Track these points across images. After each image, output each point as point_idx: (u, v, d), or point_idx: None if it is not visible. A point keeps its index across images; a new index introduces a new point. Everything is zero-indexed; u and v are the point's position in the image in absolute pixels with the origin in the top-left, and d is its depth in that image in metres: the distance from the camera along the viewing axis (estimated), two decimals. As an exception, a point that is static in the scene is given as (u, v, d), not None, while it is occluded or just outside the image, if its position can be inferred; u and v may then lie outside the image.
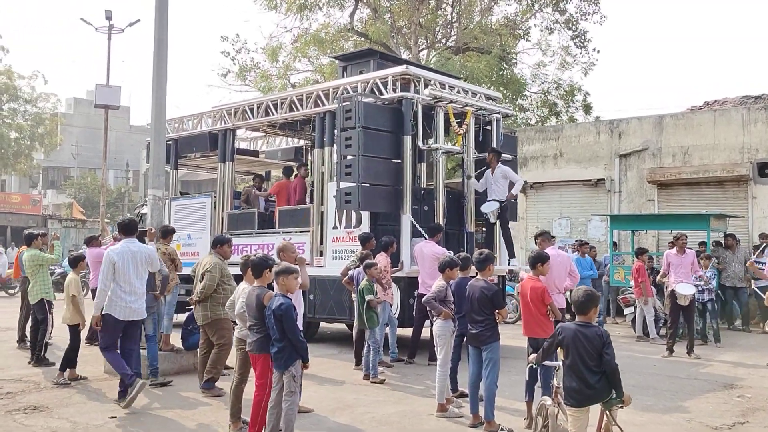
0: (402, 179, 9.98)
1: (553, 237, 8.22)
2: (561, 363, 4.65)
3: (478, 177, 10.89)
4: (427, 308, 6.74)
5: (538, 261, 6.20)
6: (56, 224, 32.52)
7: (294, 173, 12.96)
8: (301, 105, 11.36)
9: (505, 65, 21.47)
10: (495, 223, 10.80)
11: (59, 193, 48.77)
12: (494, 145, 11.24)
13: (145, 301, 7.10)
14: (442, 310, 6.51)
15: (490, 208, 10.46)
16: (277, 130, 13.08)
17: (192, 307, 7.62)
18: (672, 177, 15.60)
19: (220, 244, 7.56)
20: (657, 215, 14.37)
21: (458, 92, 10.68)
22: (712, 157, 15.33)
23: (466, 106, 10.60)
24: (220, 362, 7.27)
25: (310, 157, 14.42)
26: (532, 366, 5.03)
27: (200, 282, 7.38)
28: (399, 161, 10.04)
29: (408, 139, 10.01)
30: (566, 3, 24.49)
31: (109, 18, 22.24)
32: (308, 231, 11.05)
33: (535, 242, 7.75)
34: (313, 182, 12.77)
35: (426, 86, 10.21)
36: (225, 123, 12.69)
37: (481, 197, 10.85)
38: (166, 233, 8.74)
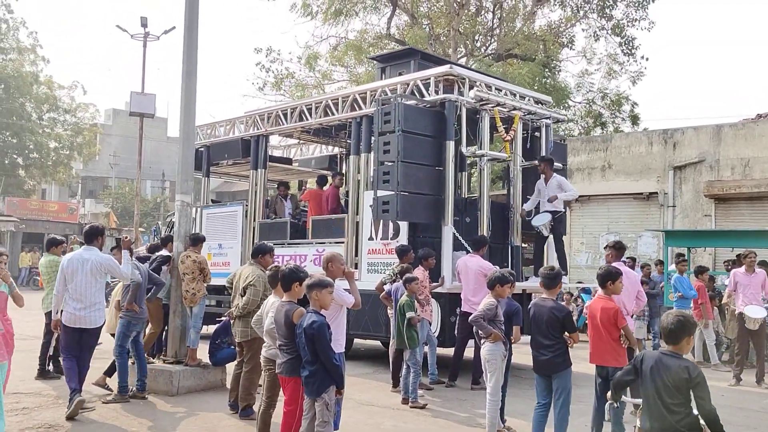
0: (444, 188, 9.27)
1: (625, 248, 7.38)
2: (641, 401, 3.87)
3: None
4: (474, 328, 5.98)
5: (609, 278, 5.43)
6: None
7: (327, 182, 12.39)
8: (337, 109, 10.76)
9: (548, 72, 20.65)
10: (546, 237, 9.99)
11: (97, 202, 49.14)
12: (543, 152, 10.47)
13: (129, 314, 7.28)
14: (491, 332, 5.77)
15: (542, 220, 9.67)
16: (311, 136, 12.50)
17: (223, 319, 7.03)
18: (731, 191, 14.57)
19: (261, 253, 6.95)
20: (717, 231, 13.37)
21: (505, 95, 9.94)
22: (775, 169, 14.29)
23: (514, 109, 9.86)
24: (253, 386, 6.65)
25: (344, 166, 13.87)
26: (613, 404, 4.24)
27: (241, 295, 6.78)
28: (441, 168, 9.34)
29: (451, 145, 9.31)
30: (613, 9, 23.62)
31: (144, 25, 22.03)
32: (342, 242, 10.40)
33: (605, 253, 6.96)
34: (347, 191, 12.24)
35: (471, 88, 9.51)
36: (257, 129, 12.16)
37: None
38: (196, 241, 8.19)
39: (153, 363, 8.22)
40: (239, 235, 12.18)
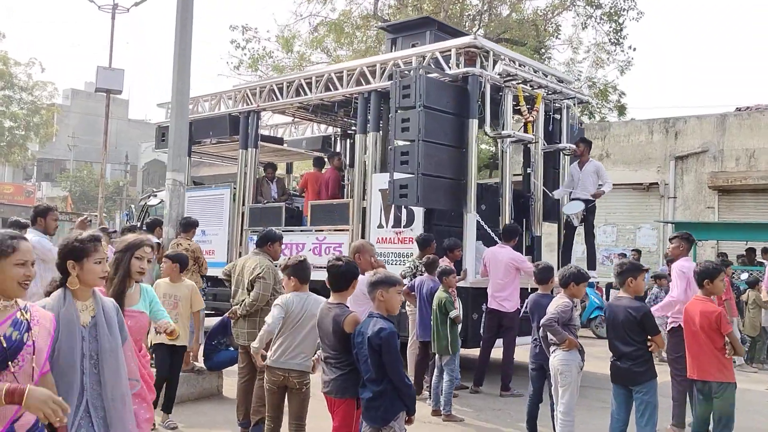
0: (466, 171, 8.41)
1: (694, 240, 6.61)
2: None
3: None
4: (546, 333, 5.12)
5: (706, 276, 4.64)
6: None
7: (324, 164, 11.41)
8: (341, 83, 9.77)
9: (538, 58, 19.95)
10: (575, 228, 9.21)
11: (54, 186, 46.94)
12: (564, 136, 9.71)
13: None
14: (566, 337, 4.93)
15: (574, 209, 8.88)
16: (308, 114, 11.46)
17: (231, 319, 6.01)
18: (737, 182, 14.09)
19: (270, 241, 5.94)
20: (729, 224, 12.85)
21: (528, 71, 9.10)
22: (782, 161, 13.84)
23: (539, 87, 9.05)
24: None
25: (339, 147, 12.90)
26: None
27: (247, 290, 5.78)
28: (463, 149, 8.47)
29: (474, 124, 8.44)
30: (600, -3, 23.02)
31: (113, -4, 20.64)
32: (346, 230, 9.45)
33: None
34: (343, 175, 11.29)
35: (495, 62, 8.64)
36: (248, 104, 11.09)
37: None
38: (188, 227, 7.20)
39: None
40: (226, 221, 11.12)
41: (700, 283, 4.69)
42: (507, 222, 8.79)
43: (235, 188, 11.20)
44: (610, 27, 22.95)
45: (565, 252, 9.50)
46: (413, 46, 9.42)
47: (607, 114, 23.39)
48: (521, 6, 23.28)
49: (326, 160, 11.46)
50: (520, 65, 9.03)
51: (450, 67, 8.53)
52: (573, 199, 9.20)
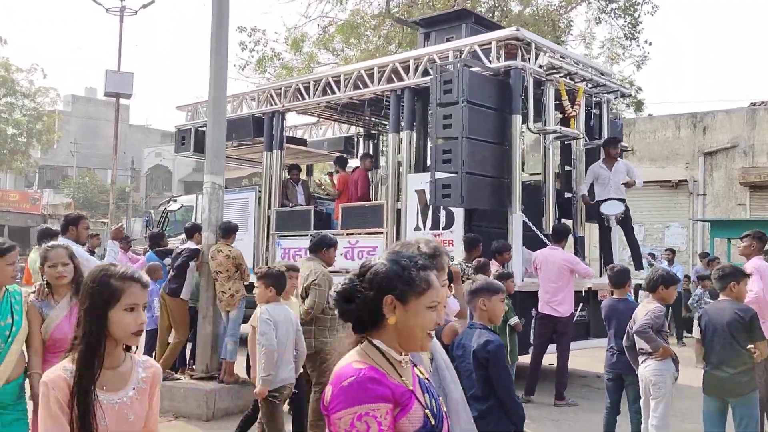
0: (510, 169, 8.04)
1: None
2: None
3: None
4: (639, 344, 4.71)
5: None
6: (56, 224, 30.52)
7: (347, 164, 11.07)
8: (372, 81, 9.39)
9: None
10: (611, 228, 8.85)
11: (56, 192, 46.50)
12: (605, 132, 9.36)
13: None
14: (660, 345, 4.55)
15: (615, 209, 8.52)
16: (335, 114, 11.09)
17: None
18: (770, 178, 13.71)
19: (326, 246, 5.61)
20: (765, 221, 12.42)
21: (569, 64, 8.74)
22: (817, 155, 13.47)
23: (583, 81, 8.68)
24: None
25: (362, 148, 12.54)
26: None
27: (302, 298, 5.43)
28: (506, 146, 8.09)
29: (518, 119, 8.07)
30: (614, -9, 22.66)
31: (121, -2, 20.29)
32: (381, 233, 9.07)
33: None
34: (369, 176, 10.92)
35: (537, 55, 8.27)
36: (272, 105, 10.71)
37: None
38: (228, 232, 6.81)
39: (179, 379, 6.81)
40: (251, 226, 10.74)
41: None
42: (552, 222, 8.44)
43: (260, 191, 10.84)
44: (625, 21, 22.61)
45: (606, 252, 9.13)
46: (448, 40, 9.04)
47: (624, 110, 23.03)
48: (532, 1, 22.93)
49: (348, 160, 11.12)
50: (561, 57, 8.67)
51: (491, 61, 8.16)
52: (608, 199, 8.82)
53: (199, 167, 45.53)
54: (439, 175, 7.68)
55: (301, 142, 12.62)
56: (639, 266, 8.87)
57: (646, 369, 4.63)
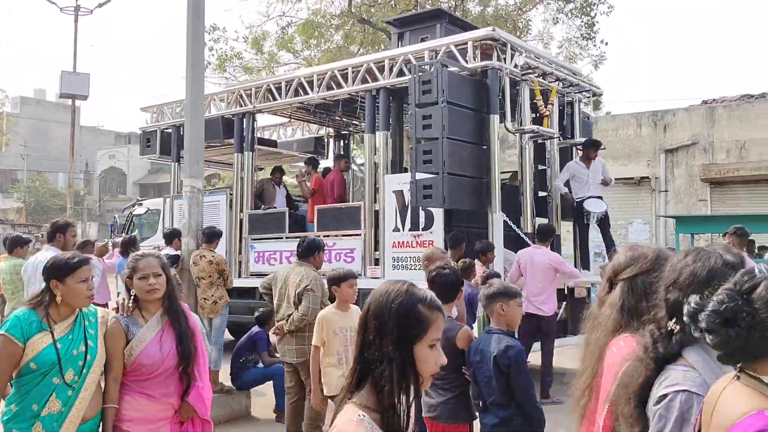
0: (489, 169, 8.07)
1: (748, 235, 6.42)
2: None
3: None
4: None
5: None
6: (8, 229, 29.40)
7: (318, 165, 10.98)
8: (345, 81, 9.31)
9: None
10: (588, 225, 8.98)
11: (6, 197, 44.95)
12: (576, 131, 9.50)
13: None
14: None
15: (599, 207, 8.68)
16: (308, 114, 10.96)
17: (268, 332, 5.53)
18: (729, 174, 14.13)
19: (317, 250, 5.50)
20: (734, 216, 12.69)
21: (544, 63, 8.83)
22: (773, 151, 13.93)
23: (556, 81, 8.77)
24: (320, 417, 5.21)
25: (332, 149, 12.45)
26: None
27: (290, 303, 5.33)
28: (484, 146, 8.12)
29: (496, 119, 8.10)
30: (571, -8, 23.05)
31: (75, -3, 19.70)
32: (358, 234, 9.01)
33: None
34: (345, 177, 10.86)
35: (512, 55, 8.32)
36: (242, 106, 10.53)
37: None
38: (212, 237, 6.66)
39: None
40: (223, 229, 10.42)
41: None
42: (530, 221, 8.52)
43: (231, 194, 10.64)
44: (582, 22, 23.03)
45: (583, 250, 9.26)
46: (422, 40, 9.02)
47: (583, 109, 23.45)
48: (489, 1, 23.17)
49: (318, 161, 11.02)
50: (535, 57, 8.74)
51: (467, 61, 8.17)
52: (589, 197, 8.96)
53: (154, 169, 44.75)
54: (419, 175, 7.65)
55: (272, 143, 12.46)
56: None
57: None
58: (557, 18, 23.53)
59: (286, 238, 9.84)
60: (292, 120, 12.19)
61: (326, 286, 5.37)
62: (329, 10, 21.70)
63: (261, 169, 12.69)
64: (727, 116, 14.50)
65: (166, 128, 11.71)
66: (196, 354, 2.99)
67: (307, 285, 5.33)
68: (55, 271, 2.81)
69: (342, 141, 12.38)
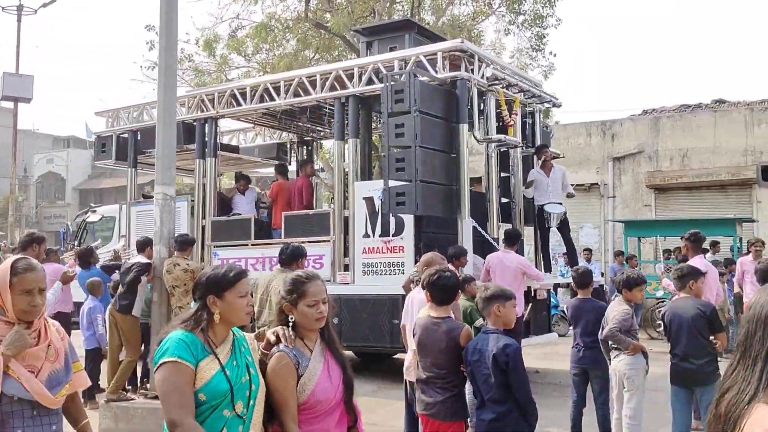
0: (459, 177, 8.27)
1: (703, 240, 6.80)
2: None
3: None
4: (609, 343, 5.03)
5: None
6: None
7: (287, 172, 10.97)
8: (314, 88, 9.36)
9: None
10: (549, 229, 9.31)
11: (-68, 202, 42.77)
12: (538, 139, 9.82)
13: None
14: (629, 344, 4.87)
15: (559, 208, 8.97)
16: (273, 121, 10.95)
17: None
18: (672, 181, 14.81)
19: (301, 257, 5.55)
20: (677, 220, 13.40)
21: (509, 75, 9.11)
22: (713, 160, 14.66)
23: (520, 92, 9.06)
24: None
25: (296, 155, 12.46)
26: None
27: (271, 310, 5.36)
28: (454, 155, 8.32)
29: (464, 129, 8.33)
30: (521, 5, 23.68)
31: (19, -5, 19.03)
32: (327, 241, 9.07)
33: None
34: (314, 183, 10.90)
35: (479, 66, 8.56)
36: (203, 111, 10.44)
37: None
38: (184, 245, 6.62)
39: (133, 399, 6.52)
40: (184, 236, 10.41)
41: (764, 280, 4.75)
42: (496, 227, 8.76)
43: (193, 200, 10.52)
44: (532, 33, 23.68)
45: (544, 253, 9.58)
46: (391, 49, 9.17)
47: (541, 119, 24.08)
48: (443, 11, 23.57)
49: (287, 168, 11.02)
50: (501, 68, 9.01)
51: (436, 71, 8.36)
52: (550, 202, 9.28)
53: (95, 174, 43.44)
54: (392, 183, 7.78)
55: (234, 149, 12.37)
56: (574, 264, 9.39)
57: (620, 363, 4.95)
58: (509, 29, 24.09)
59: (252, 245, 9.82)
60: (256, 126, 12.13)
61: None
62: (284, 14, 21.66)
63: (221, 174, 12.58)
64: (670, 126, 15.20)
65: (123, 133, 11.50)
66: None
67: (293, 293, 5.37)
68: (213, 286, 2.46)
69: (305, 147, 12.41)
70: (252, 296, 5.58)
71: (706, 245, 10.61)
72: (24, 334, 2.51)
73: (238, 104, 10.13)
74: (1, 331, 2.51)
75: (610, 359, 5.01)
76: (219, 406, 2.35)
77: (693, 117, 15.29)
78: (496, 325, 3.57)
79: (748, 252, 9.73)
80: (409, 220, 8.37)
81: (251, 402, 2.44)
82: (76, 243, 12.01)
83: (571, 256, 9.58)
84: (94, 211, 12.32)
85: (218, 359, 2.39)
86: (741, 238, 12.82)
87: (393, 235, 8.48)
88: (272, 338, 2.63)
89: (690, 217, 13.62)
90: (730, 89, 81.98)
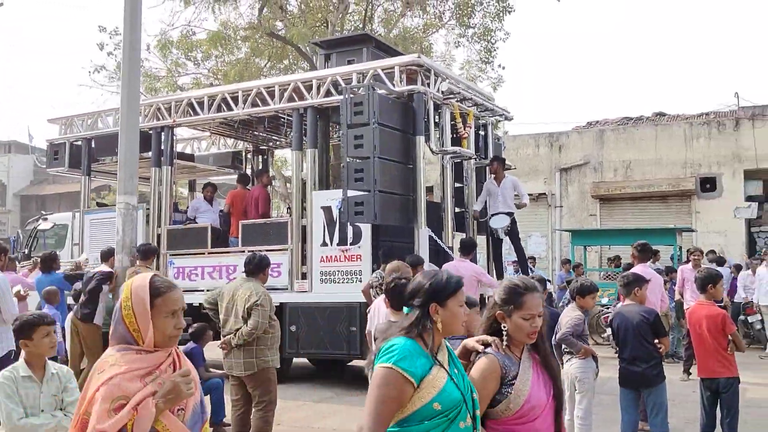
0: (416, 187, 8.51)
1: (650, 251, 7.18)
2: None
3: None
4: (559, 343, 5.32)
5: (709, 281, 5.05)
6: None
7: (249, 181, 11.04)
8: (272, 99, 9.48)
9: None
10: (501, 240, 9.63)
11: None
12: (490, 151, 10.15)
13: None
14: (581, 348, 5.16)
15: (501, 222, 9.28)
16: (231, 130, 10.99)
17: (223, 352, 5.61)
18: (616, 191, 15.42)
19: (267, 267, 5.66)
20: (621, 230, 13.98)
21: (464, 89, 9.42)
22: (654, 171, 15.34)
23: (474, 105, 9.38)
24: (269, 426, 5.38)
25: (252, 164, 12.51)
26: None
27: (238, 318, 5.45)
28: (410, 166, 8.56)
29: (421, 140, 8.58)
30: (470, 18, 24.24)
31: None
32: (285, 249, 9.18)
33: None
34: (268, 192, 10.97)
35: (435, 80, 8.83)
36: (159, 119, 10.41)
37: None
38: (148, 254, 6.68)
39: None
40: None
41: (703, 288, 5.10)
42: (451, 236, 9.02)
43: (148, 209, 10.46)
44: (481, 46, 24.27)
45: (497, 262, 9.90)
46: (349, 62, 9.36)
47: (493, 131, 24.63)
48: (395, 24, 23.93)
49: (248, 177, 11.07)
50: (456, 83, 9.30)
51: (394, 85, 8.59)
52: (496, 214, 9.59)
53: (37, 180, 42.16)
54: (351, 192, 7.96)
55: (189, 157, 12.34)
56: (525, 272, 9.72)
57: (571, 366, 5.24)
58: (459, 42, 24.62)
59: (209, 253, 9.83)
60: (211, 135, 12.14)
61: (272, 301, 5.61)
62: (238, 21, 21.62)
63: (175, 182, 12.53)
64: (614, 138, 15.85)
65: (76, 141, 11.36)
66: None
67: (257, 300, 5.48)
68: (436, 294, 2.37)
69: (261, 156, 12.47)
70: (218, 305, 5.75)
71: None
72: (180, 384, 2.17)
73: (196, 113, 10.17)
74: (137, 364, 2.15)
75: (562, 363, 5.29)
76: (456, 418, 2.26)
77: (636, 130, 15.98)
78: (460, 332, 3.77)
79: (688, 261, 10.25)
80: (366, 229, 8.56)
81: (476, 412, 2.38)
82: (26, 251, 11.77)
83: (521, 264, 9.93)
84: (45, 219, 12.08)
85: (444, 368, 2.32)
86: (681, 247, 13.46)
87: (351, 244, 8.66)
88: (479, 347, 2.58)
89: (633, 227, 14.21)
90: (669, 102, 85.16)
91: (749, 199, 14.81)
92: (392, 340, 2.31)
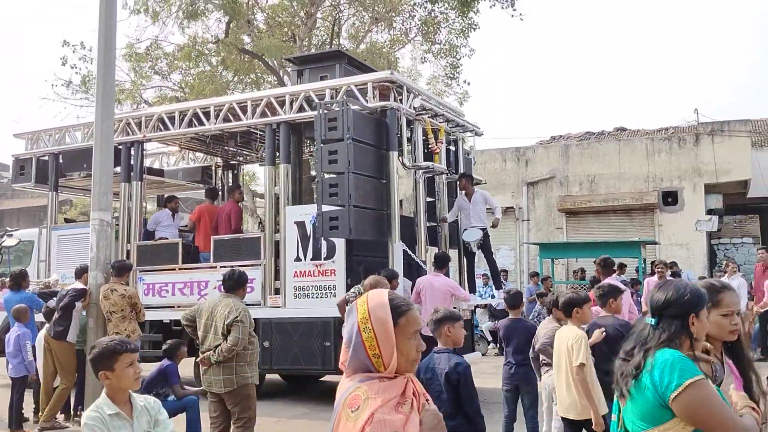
0: (390, 202, 8.59)
1: (613, 264, 7.38)
2: None
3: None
4: (543, 356, 5.42)
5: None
6: None
7: (218, 196, 10.98)
8: (244, 114, 9.49)
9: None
10: (474, 254, 9.77)
11: None
12: (461, 166, 10.32)
13: None
14: (559, 359, 5.26)
15: (474, 236, 9.42)
16: (198, 144, 10.94)
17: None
18: (582, 205, 15.74)
19: (244, 283, 5.66)
20: (588, 243, 14.28)
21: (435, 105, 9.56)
22: (618, 185, 15.72)
23: (446, 121, 9.53)
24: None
25: (222, 179, 12.46)
26: None
27: (217, 335, 5.43)
28: (384, 180, 8.64)
29: (394, 156, 8.68)
30: (436, 34, 24.57)
31: None
32: (258, 264, 9.15)
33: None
34: (241, 208, 10.92)
35: (408, 96, 8.96)
36: (129, 134, 10.32)
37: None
38: (122, 270, 6.58)
39: (67, 427, 6.39)
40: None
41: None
42: (424, 250, 9.11)
43: (117, 225, 10.32)
44: (447, 62, 24.60)
45: (469, 276, 10.03)
46: (322, 78, 9.43)
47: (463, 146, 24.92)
48: (362, 39, 24.14)
49: (218, 192, 11.02)
50: (427, 99, 9.44)
51: (367, 101, 8.68)
52: (470, 227, 9.73)
53: (73, 191, 41.09)
54: (326, 208, 8.00)
55: (158, 172, 12.23)
56: (498, 285, 9.87)
57: (549, 378, 5.33)
58: (425, 57, 24.93)
59: (180, 269, 9.74)
60: (182, 149, 12.06)
61: (251, 317, 5.60)
62: (205, 35, 21.54)
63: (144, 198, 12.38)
64: (579, 153, 16.20)
65: (43, 156, 11.18)
66: None
67: (237, 317, 5.48)
68: (696, 304, 2.30)
69: (231, 171, 12.43)
70: (196, 322, 5.72)
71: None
72: (441, 417, 1.97)
73: (167, 128, 10.10)
74: (388, 393, 1.90)
75: (540, 375, 5.40)
76: None
77: (599, 145, 16.36)
78: (446, 345, 3.85)
79: (653, 273, 10.53)
80: (340, 243, 8.59)
81: None
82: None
83: (494, 278, 10.05)
84: (11, 235, 11.83)
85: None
86: (645, 260, 13.79)
87: (324, 259, 8.67)
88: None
89: (599, 240, 14.51)
90: (630, 117, 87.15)
91: (710, 212, 15.27)
92: (655, 354, 2.24)
